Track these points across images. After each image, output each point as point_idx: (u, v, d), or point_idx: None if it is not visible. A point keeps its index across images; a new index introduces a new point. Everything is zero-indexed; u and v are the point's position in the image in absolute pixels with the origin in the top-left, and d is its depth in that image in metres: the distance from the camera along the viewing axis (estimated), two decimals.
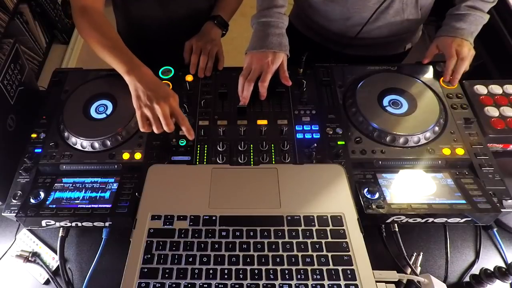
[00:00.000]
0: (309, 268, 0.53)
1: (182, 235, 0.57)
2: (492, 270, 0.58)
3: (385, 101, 0.74)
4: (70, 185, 0.65)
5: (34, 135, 0.72)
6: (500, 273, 0.57)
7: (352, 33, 0.90)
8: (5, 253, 0.66)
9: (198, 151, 0.70)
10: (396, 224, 0.64)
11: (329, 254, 0.55)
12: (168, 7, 0.92)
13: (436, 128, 0.70)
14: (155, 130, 0.66)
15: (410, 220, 0.61)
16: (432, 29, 1.85)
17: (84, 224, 0.63)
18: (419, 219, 0.61)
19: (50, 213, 0.60)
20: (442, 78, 0.78)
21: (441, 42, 0.80)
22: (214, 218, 0.59)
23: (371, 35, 0.90)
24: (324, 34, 0.97)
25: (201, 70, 0.82)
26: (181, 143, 0.71)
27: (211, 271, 0.53)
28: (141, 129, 0.67)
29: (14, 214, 0.61)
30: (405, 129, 0.69)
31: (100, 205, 0.62)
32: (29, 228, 0.67)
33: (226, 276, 0.53)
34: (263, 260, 0.54)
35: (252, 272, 0.53)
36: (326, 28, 0.94)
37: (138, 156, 0.69)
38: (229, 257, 0.55)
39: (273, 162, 0.68)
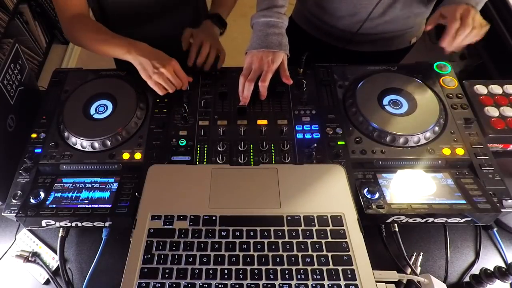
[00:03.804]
0: (309, 268, 0.53)
1: (182, 235, 0.57)
2: (492, 270, 0.58)
3: (385, 101, 0.74)
4: (70, 185, 0.65)
5: (34, 135, 0.72)
6: (500, 273, 0.57)
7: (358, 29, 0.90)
8: (5, 253, 0.66)
9: (198, 151, 0.70)
10: (396, 224, 0.64)
11: (329, 254, 0.54)
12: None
13: (436, 128, 0.70)
14: (169, 90, 0.75)
15: (410, 220, 0.61)
16: (432, 29, 1.85)
17: (84, 224, 0.63)
18: (419, 219, 0.61)
19: (50, 213, 0.60)
20: (441, 78, 0.78)
21: (446, 8, 0.73)
22: (214, 218, 0.59)
23: (378, 30, 0.90)
24: (331, 32, 0.97)
25: (202, 59, 0.81)
26: (181, 143, 0.71)
27: (211, 271, 0.53)
28: (160, 93, 0.75)
29: (14, 214, 0.61)
30: (405, 129, 0.69)
31: (100, 205, 0.62)
32: (29, 228, 0.68)
33: (226, 276, 0.53)
34: (263, 260, 0.54)
35: (252, 272, 0.53)
36: (333, 26, 0.94)
37: (138, 156, 0.69)
38: (229, 257, 0.55)
39: (273, 162, 0.68)
